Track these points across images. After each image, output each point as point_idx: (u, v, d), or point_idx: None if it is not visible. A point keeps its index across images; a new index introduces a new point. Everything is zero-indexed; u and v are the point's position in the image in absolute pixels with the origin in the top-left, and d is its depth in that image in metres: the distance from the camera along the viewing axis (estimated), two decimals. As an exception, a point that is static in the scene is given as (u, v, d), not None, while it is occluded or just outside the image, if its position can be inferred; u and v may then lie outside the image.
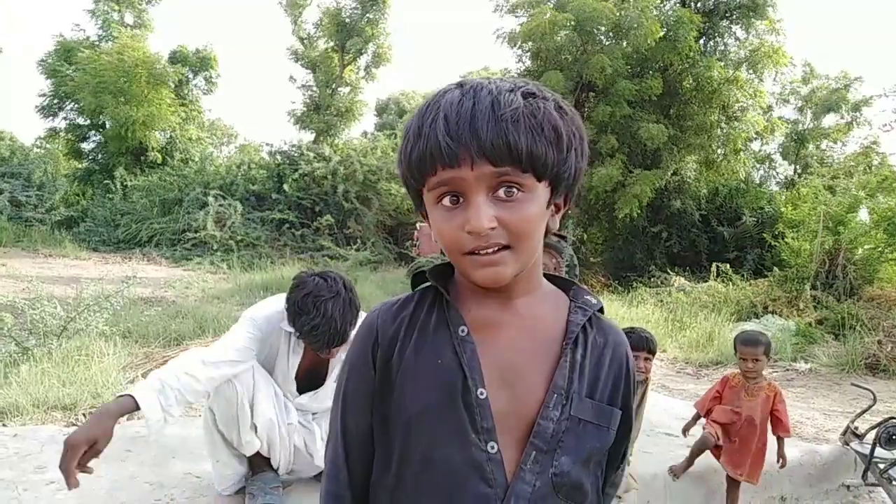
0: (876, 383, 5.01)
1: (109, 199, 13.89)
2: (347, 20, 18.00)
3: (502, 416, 0.71)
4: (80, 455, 1.40)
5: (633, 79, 11.44)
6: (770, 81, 12.95)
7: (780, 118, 14.71)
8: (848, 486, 3.09)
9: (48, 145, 18.76)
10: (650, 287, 9.58)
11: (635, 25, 10.93)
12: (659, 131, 10.87)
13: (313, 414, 2.10)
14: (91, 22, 16.41)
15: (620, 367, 0.78)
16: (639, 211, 11.25)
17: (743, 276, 9.71)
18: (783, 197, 13.14)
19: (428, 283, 0.79)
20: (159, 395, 1.65)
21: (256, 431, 1.91)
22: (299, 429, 2.03)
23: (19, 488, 1.97)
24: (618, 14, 11.13)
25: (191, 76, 17.15)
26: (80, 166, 16.43)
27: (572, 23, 11.08)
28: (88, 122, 16.15)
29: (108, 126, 15.56)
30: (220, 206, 12.57)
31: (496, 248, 0.66)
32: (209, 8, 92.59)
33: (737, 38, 12.65)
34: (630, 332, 2.37)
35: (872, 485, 2.90)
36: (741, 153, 12.71)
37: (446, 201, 0.67)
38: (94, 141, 16.56)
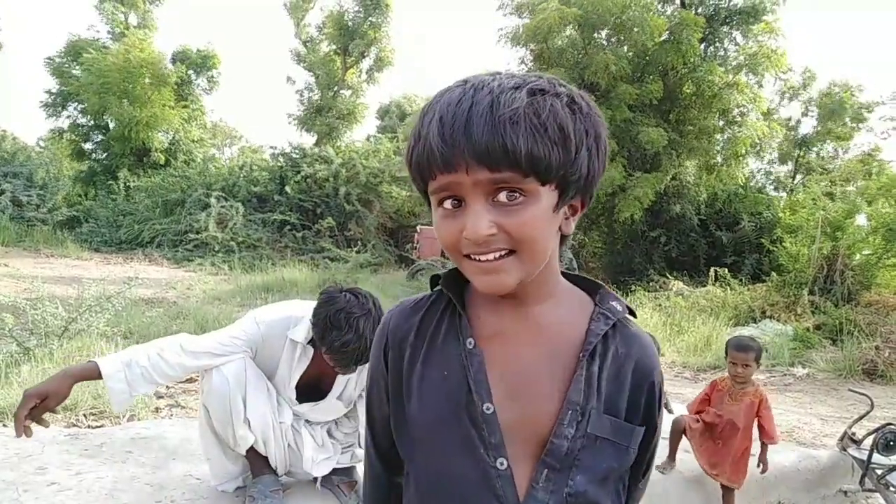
0: (873, 389, 5.02)
1: (112, 200, 13.94)
2: (350, 23, 18.07)
3: (512, 430, 0.68)
4: (29, 406, 1.51)
5: (633, 83, 11.47)
6: (770, 86, 13.02)
7: (779, 122, 14.75)
8: (845, 492, 3.09)
9: (51, 146, 18.81)
10: (649, 291, 9.58)
11: (639, 25, 10.94)
12: (658, 135, 10.89)
13: (307, 421, 2.09)
14: (100, 22, 16.49)
15: (643, 380, 0.73)
16: (640, 214, 11.27)
17: (741, 280, 9.71)
18: (782, 202, 13.17)
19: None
20: (126, 368, 1.67)
21: (250, 426, 1.90)
22: (291, 430, 2.03)
23: (20, 489, 1.98)
24: (622, 12, 11.12)
25: (193, 76, 17.19)
26: (83, 167, 16.46)
27: (578, 17, 11.06)
28: (92, 122, 16.21)
29: (111, 127, 15.61)
30: (223, 207, 12.61)
31: (499, 254, 0.63)
32: (212, 9, 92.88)
33: (736, 43, 12.70)
34: None
35: (870, 490, 2.91)
36: (741, 158, 12.74)
37: (447, 204, 0.64)
38: (97, 142, 16.61)
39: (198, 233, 11.93)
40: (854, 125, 15.80)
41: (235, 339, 1.89)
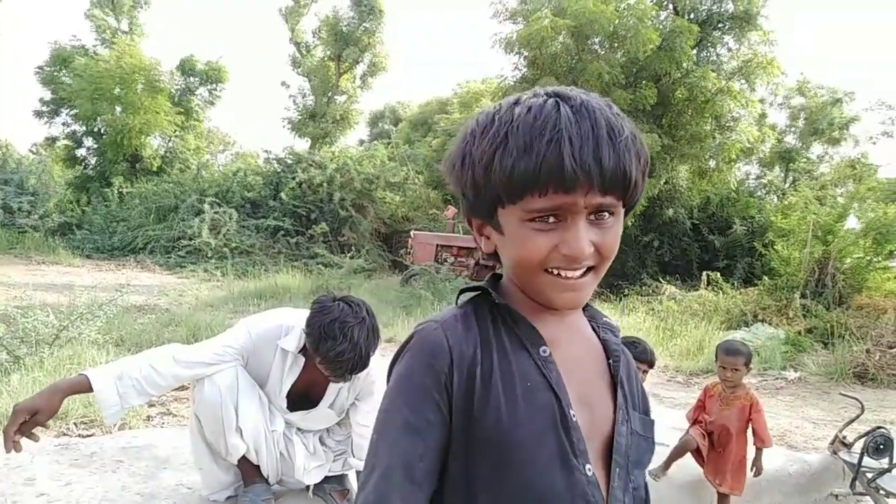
0: (864, 392, 5.06)
1: (105, 206, 13.85)
2: (344, 29, 18.13)
3: (587, 436, 0.69)
4: (19, 422, 1.49)
5: (627, 88, 11.56)
6: (763, 91, 13.15)
7: (771, 127, 14.90)
8: (836, 496, 3.10)
9: (44, 152, 18.68)
10: (641, 295, 9.62)
11: (632, 33, 11.05)
12: (652, 141, 10.97)
13: (298, 429, 2.09)
14: (89, 28, 16.44)
15: (637, 378, 0.80)
16: (633, 218, 11.33)
17: (733, 284, 9.77)
18: (773, 206, 13.28)
19: (472, 296, 0.75)
20: (117, 381, 1.65)
21: (242, 435, 1.90)
22: (283, 438, 2.02)
23: (8, 501, 1.96)
24: (616, 21, 11.23)
25: (197, 86, 17.03)
26: (74, 174, 16.36)
27: (571, 28, 11.16)
28: (84, 128, 16.13)
29: (104, 133, 15.54)
30: (216, 213, 12.56)
31: (583, 271, 0.66)
32: (205, 14, 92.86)
33: (729, 49, 12.83)
34: (635, 343, 2.40)
35: (860, 494, 2.92)
36: (733, 163, 12.86)
37: (550, 220, 0.63)
38: (90, 148, 16.52)
39: (191, 239, 11.88)
40: (841, 135, 16.06)
41: (227, 349, 1.89)
